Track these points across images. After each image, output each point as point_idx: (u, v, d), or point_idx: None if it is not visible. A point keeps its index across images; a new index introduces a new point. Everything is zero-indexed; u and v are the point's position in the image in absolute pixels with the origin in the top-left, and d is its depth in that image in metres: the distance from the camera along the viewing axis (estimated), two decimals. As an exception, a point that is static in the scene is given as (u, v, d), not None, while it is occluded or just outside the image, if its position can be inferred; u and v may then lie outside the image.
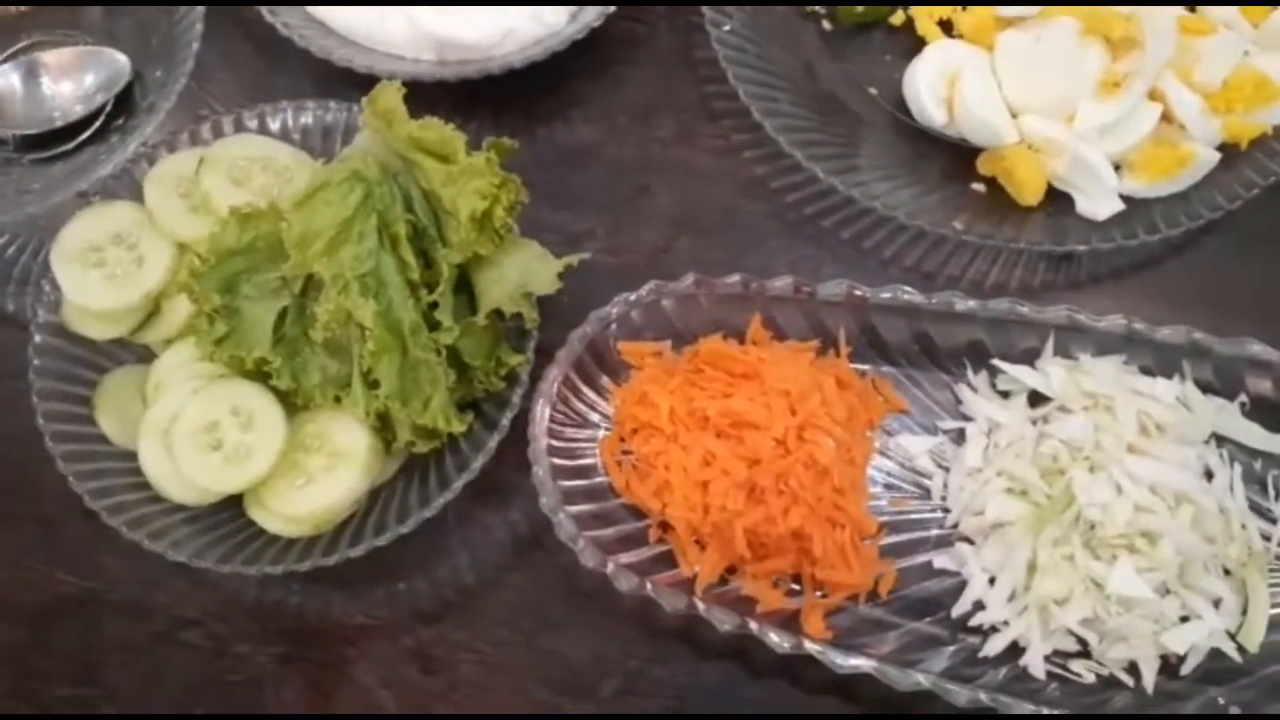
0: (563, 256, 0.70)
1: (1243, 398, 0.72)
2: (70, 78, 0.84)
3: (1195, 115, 0.76)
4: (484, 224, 0.68)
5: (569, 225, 0.83)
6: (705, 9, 0.81)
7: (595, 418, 0.75)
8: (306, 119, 0.77)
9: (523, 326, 0.70)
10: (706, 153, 0.85)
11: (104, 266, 0.71)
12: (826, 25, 0.86)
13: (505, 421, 0.68)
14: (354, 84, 0.80)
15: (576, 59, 0.83)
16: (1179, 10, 0.79)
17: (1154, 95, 0.77)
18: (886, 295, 0.73)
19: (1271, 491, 0.70)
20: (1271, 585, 0.68)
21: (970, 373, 0.75)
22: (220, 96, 0.87)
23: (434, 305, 0.67)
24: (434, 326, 0.68)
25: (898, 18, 0.86)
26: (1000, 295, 0.79)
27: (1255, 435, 0.71)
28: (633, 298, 0.74)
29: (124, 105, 0.86)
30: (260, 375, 0.68)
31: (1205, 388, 0.73)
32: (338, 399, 0.68)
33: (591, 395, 0.75)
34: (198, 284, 0.68)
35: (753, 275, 0.74)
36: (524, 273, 0.69)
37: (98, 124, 0.84)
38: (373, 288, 0.67)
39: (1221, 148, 0.78)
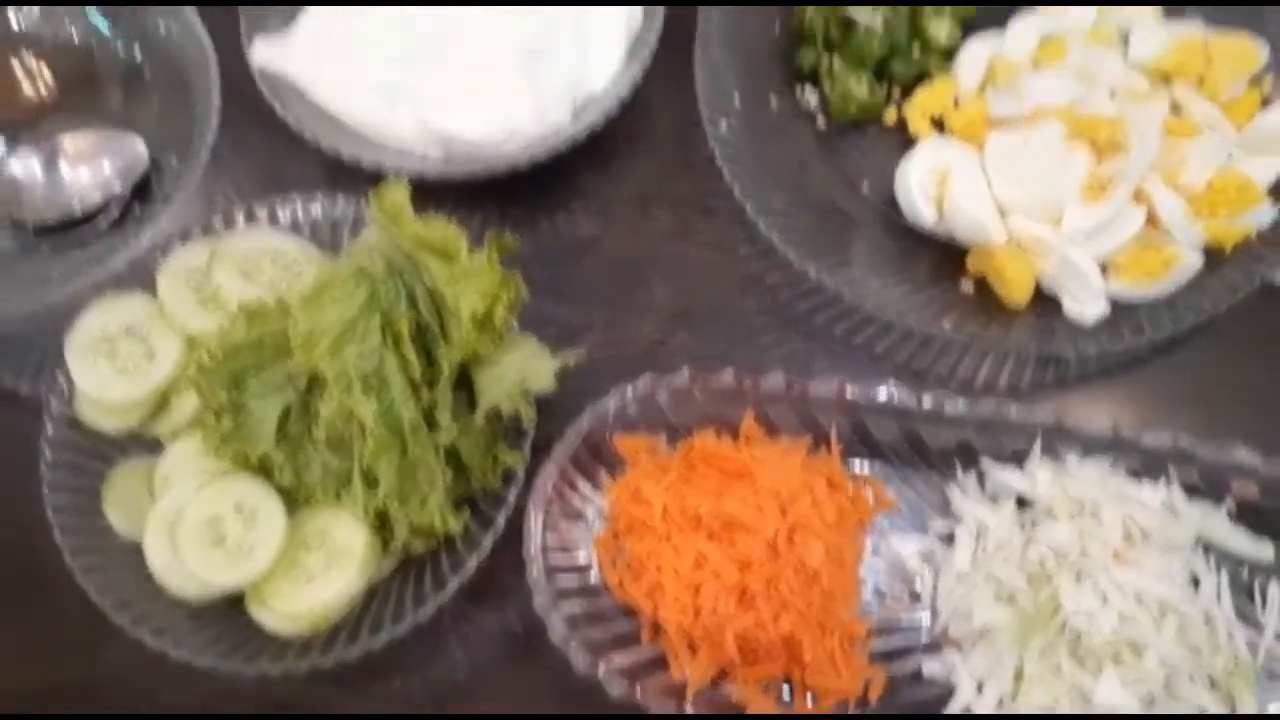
0: (562, 350, 0.72)
1: (1229, 502, 0.73)
2: (89, 164, 0.87)
3: (1179, 219, 0.78)
4: (485, 323, 0.70)
5: (568, 317, 0.85)
6: (703, 109, 0.83)
7: (591, 512, 0.76)
8: (316, 212, 0.79)
9: (520, 425, 0.71)
10: (703, 247, 0.87)
11: (115, 359, 0.73)
12: (821, 124, 0.89)
13: (501, 521, 0.69)
14: (363, 176, 0.82)
15: (579, 152, 0.84)
16: (1163, 110, 0.82)
17: (1139, 198, 0.79)
18: (875, 395, 0.75)
19: (1259, 599, 0.71)
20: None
21: (960, 472, 0.76)
22: (234, 184, 0.90)
23: (433, 405, 0.69)
24: (433, 425, 0.69)
25: (890, 116, 0.88)
26: (989, 393, 0.82)
27: (1241, 541, 0.72)
28: (629, 392, 0.75)
29: (141, 191, 0.89)
30: (264, 470, 0.70)
31: (1191, 490, 0.73)
32: (338, 496, 0.70)
33: (587, 489, 0.77)
34: (205, 380, 0.70)
35: (746, 371, 0.75)
36: (522, 370, 0.71)
37: (116, 210, 0.87)
38: (375, 386, 0.69)
39: (1206, 250, 0.80)
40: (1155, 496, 0.73)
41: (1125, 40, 0.87)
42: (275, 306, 0.71)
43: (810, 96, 0.89)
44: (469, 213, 0.89)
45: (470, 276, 0.69)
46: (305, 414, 0.71)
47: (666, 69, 0.87)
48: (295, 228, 0.79)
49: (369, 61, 0.81)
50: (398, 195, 0.72)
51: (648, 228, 0.88)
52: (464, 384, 0.73)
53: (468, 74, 0.79)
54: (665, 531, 0.71)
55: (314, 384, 0.71)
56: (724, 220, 0.87)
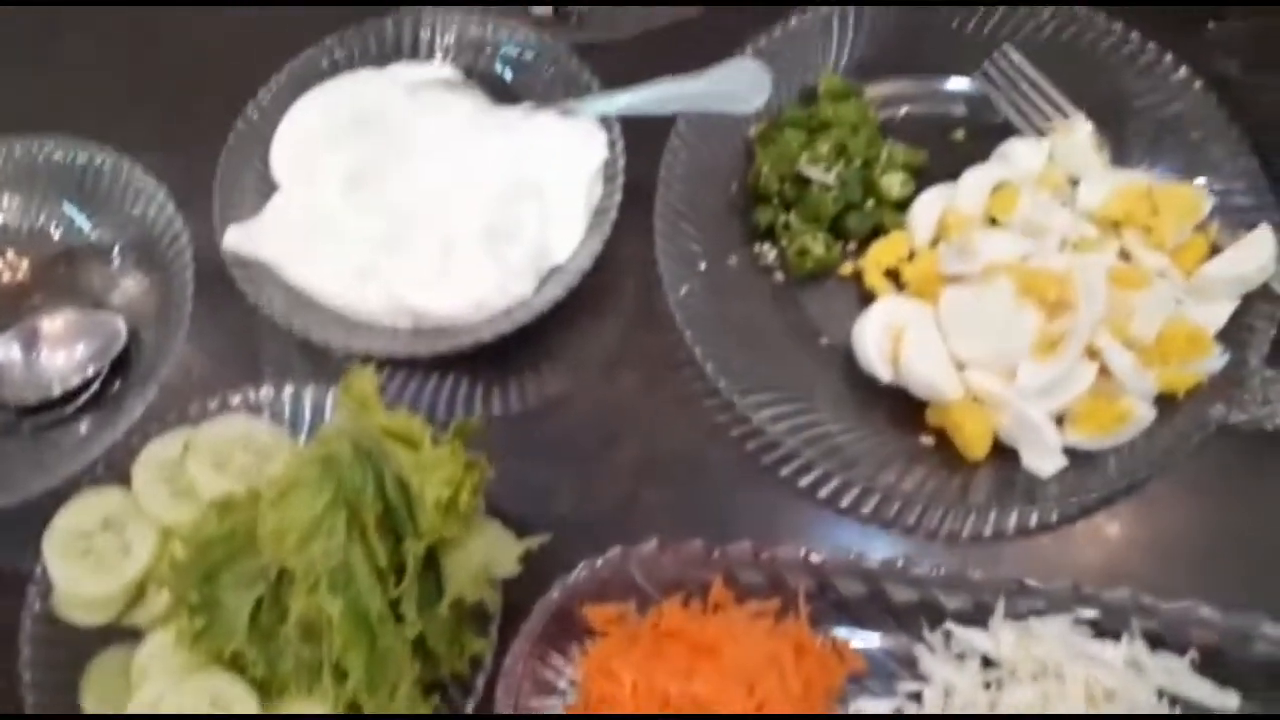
0: (529, 518, 0.74)
1: (1193, 653, 0.74)
2: (67, 345, 0.89)
3: (1130, 371, 0.79)
4: (450, 509, 0.72)
5: (537, 477, 0.86)
6: (664, 274, 0.86)
7: (563, 683, 0.77)
8: (287, 397, 0.81)
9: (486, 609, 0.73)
10: (670, 402, 0.89)
11: (91, 556, 0.74)
12: (780, 278, 0.91)
13: (469, 708, 0.70)
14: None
15: (547, 313, 0.86)
16: (1111, 261, 0.84)
17: (1091, 352, 0.81)
18: (840, 559, 0.76)
19: (1222, 749, 0.72)
20: None
21: (927, 629, 0.77)
22: (211, 358, 0.92)
23: (400, 598, 0.70)
24: (400, 617, 0.71)
25: (847, 269, 0.90)
26: (954, 543, 0.83)
27: (1205, 692, 0.73)
28: (598, 563, 0.77)
29: (121, 364, 0.91)
30: (237, 664, 0.71)
31: (1154, 639, 0.75)
32: (310, 689, 0.71)
33: (559, 661, 0.78)
34: (178, 577, 0.71)
35: (713, 540, 0.76)
36: (487, 555, 0.72)
37: (94, 388, 0.89)
38: (342, 580, 0.70)
39: (1159, 398, 0.82)
40: (1118, 654, 0.74)
41: (1075, 186, 0.90)
42: (246, 497, 0.73)
43: (768, 252, 0.92)
44: (441, 377, 0.92)
45: (434, 465, 0.71)
46: (277, 604, 0.73)
47: (633, 225, 0.89)
48: (268, 413, 0.81)
49: (338, 243, 0.84)
50: (365, 383, 0.75)
51: (615, 386, 0.90)
52: (432, 563, 0.75)
53: (434, 254, 0.82)
54: (636, 707, 0.73)
55: (284, 575, 0.73)
56: (689, 374, 0.88)
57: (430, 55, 0.95)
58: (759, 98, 0.84)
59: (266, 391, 0.81)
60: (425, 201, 0.84)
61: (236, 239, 0.84)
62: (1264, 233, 0.83)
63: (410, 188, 0.85)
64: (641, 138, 0.92)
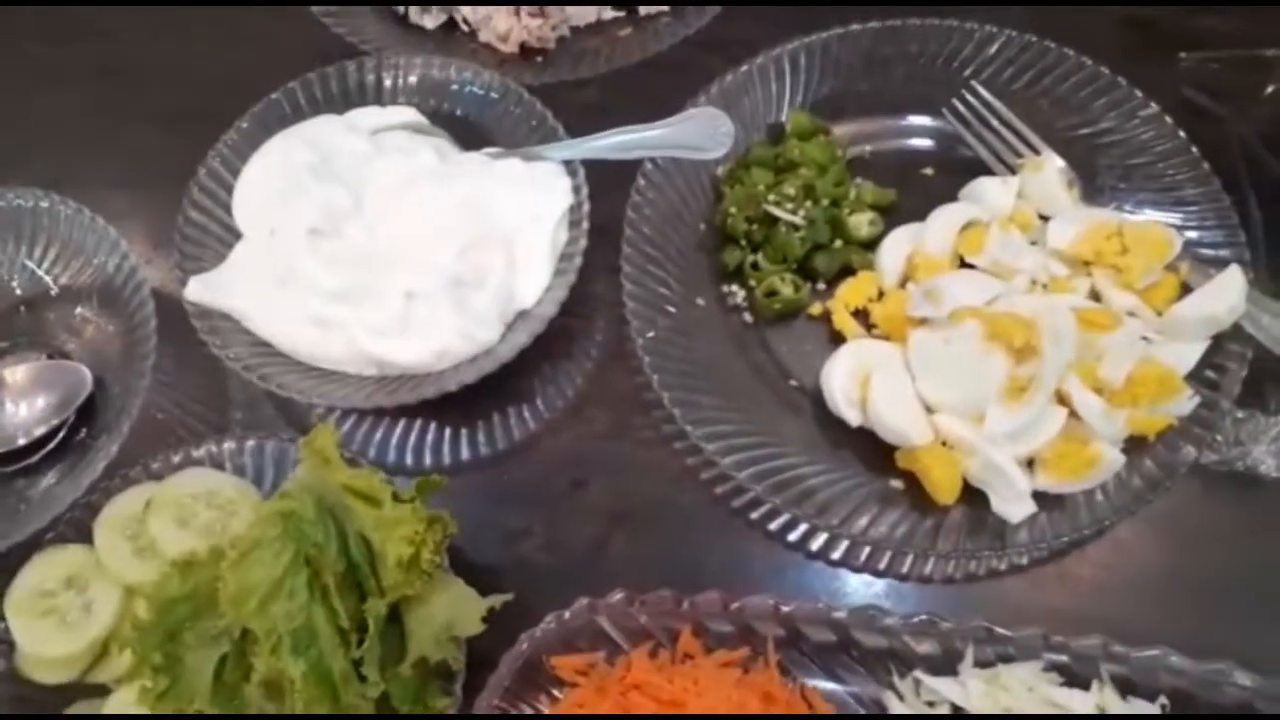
0: (501, 558, 0.77)
1: (1163, 699, 0.74)
2: (30, 395, 0.89)
3: (1098, 416, 0.79)
4: (412, 567, 0.71)
5: (507, 522, 0.86)
6: (631, 319, 0.85)
7: (532, 736, 0.77)
8: (251, 450, 0.81)
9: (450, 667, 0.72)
10: (639, 445, 0.89)
11: (54, 614, 0.74)
12: (748, 318, 0.90)
13: (436, 764, 0.70)
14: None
15: (515, 355, 0.86)
16: (1080, 304, 0.84)
17: (1060, 397, 0.80)
18: (809, 608, 0.76)
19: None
20: None
21: (896, 678, 0.77)
22: (177, 404, 0.91)
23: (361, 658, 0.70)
24: (363, 676, 0.70)
25: (815, 308, 0.90)
26: (924, 586, 0.83)
27: (1175, 741, 0.73)
28: (566, 615, 0.76)
29: (87, 411, 0.90)
30: (201, 721, 0.71)
31: (1124, 685, 0.74)
32: (273, 748, 0.70)
33: (528, 712, 0.77)
34: (140, 637, 0.71)
35: (684, 587, 0.76)
36: (450, 613, 0.72)
37: (60, 437, 0.89)
38: (304, 641, 0.69)
39: (1130, 439, 0.81)
40: (1087, 701, 0.73)
41: (1046, 222, 0.90)
42: (208, 556, 0.73)
43: (737, 293, 0.91)
44: (409, 422, 0.92)
45: (395, 523, 0.70)
46: (241, 662, 0.72)
47: (604, 265, 0.90)
48: (233, 466, 0.80)
49: (301, 293, 0.83)
50: (326, 440, 0.74)
51: (585, 428, 0.90)
52: (396, 619, 0.74)
53: (397, 304, 0.81)
54: (603, 761, 0.72)
55: (248, 634, 0.72)
56: (659, 416, 0.88)
57: (394, 99, 0.95)
58: (721, 146, 0.84)
59: (230, 444, 0.80)
60: (388, 250, 0.84)
61: (198, 290, 0.83)
62: (1234, 273, 0.82)
63: (372, 236, 0.84)
64: (611, 177, 0.91)
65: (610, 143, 0.86)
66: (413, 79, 0.95)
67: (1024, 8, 1.02)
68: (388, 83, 0.95)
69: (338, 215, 0.84)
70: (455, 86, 0.95)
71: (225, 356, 0.82)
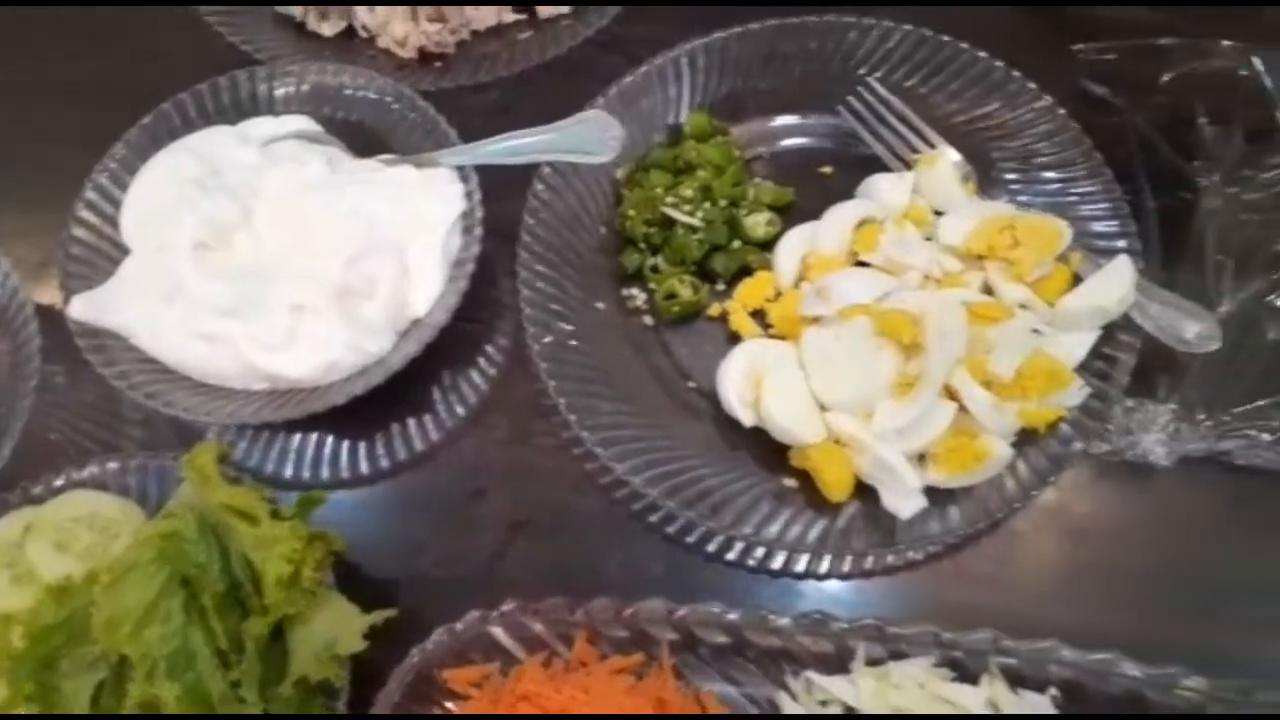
0: (397, 571, 0.77)
1: (1053, 690, 0.74)
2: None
3: (987, 410, 0.79)
4: (292, 584, 0.70)
5: (405, 534, 0.85)
6: (527, 325, 0.85)
7: (424, 750, 0.76)
8: (134, 470, 0.79)
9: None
10: (540, 451, 0.88)
11: (-74, 645, 0.73)
12: (648, 320, 0.90)
13: (321, 782, 0.69)
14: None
15: (411, 364, 0.84)
16: (969, 297, 0.84)
17: (950, 391, 0.81)
18: (702, 611, 0.75)
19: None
20: None
21: (790, 678, 0.77)
22: (68, 422, 0.90)
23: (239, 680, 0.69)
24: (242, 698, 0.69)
25: (715, 309, 0.90)
26: (821, 583, 0.83)
27: (1065, 731, 0.73)
28: (458, 627, 0.76)
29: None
30: (79, 750, 0.70)
31: (1014, 678, 0.74)
32: (154, 771, 0.69)
33: (421, 723, 0.77)
34: (15, 667, 0.70)
35: (582, 593, 0.75)
36: (332, 631, 0.71)
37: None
38: (181, 664, 0.69)
39: (1021, 432, 0.81)
40: (978, 696, 0.73)
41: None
42: (85, 580, 0.71)
43: (637, 296, 0.91)
44: (305, 434, 0.91)
45: (274, 541, 0.70)
46: (119, 687, 0.71)
47: (506, 269, 0.89)
48: (117, 486, 0.79)
49: (187, 309, 0.82)
50: (207, 458, 0.73)
51: (485, 435, 0.89)
52: (281, 638, 0.73)
53: (283, 317, 0.80)
54: (492, 772, 0.72)
55: (125, 659, 0.71)
56: (558, 422, 0.88)
57: (289, 108, 0.94)
58: (610, 150, 0.83)
59: (114, 465, 0.79)
60: (274, 263, 0.82)
61: (82, 308, 0.82)
62: (1122, 264, 0.83)
63: (259, 249, 0.83)
64: (517, 180, 0.91)
65: (500, 148, 0.85)
66: (306, 87, 0.94)
67: (929, 7, 1.03)
68: (281, 91, 0.94)
69: (224, 228, 0.83)
70: (350, 93, 0.93)
71: (109, 375, 0.81)
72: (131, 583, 0.69)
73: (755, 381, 0.83)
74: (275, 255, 0.83)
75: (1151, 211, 0.92)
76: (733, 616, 0.75)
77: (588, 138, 0.82)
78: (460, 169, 0.87)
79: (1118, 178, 0.90)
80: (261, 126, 0.90)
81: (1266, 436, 0.82)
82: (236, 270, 0.82)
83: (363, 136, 0.93)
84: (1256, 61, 0.98)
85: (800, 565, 0.82)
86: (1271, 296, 0.89)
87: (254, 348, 0.81)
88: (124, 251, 0.87)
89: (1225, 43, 0.98)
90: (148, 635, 0.68)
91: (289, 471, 0.88)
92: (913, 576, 0.82)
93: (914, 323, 0.80)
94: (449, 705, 0.77)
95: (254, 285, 0.81)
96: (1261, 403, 0.84)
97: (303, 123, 0.91)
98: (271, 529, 0.70)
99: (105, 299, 0.83)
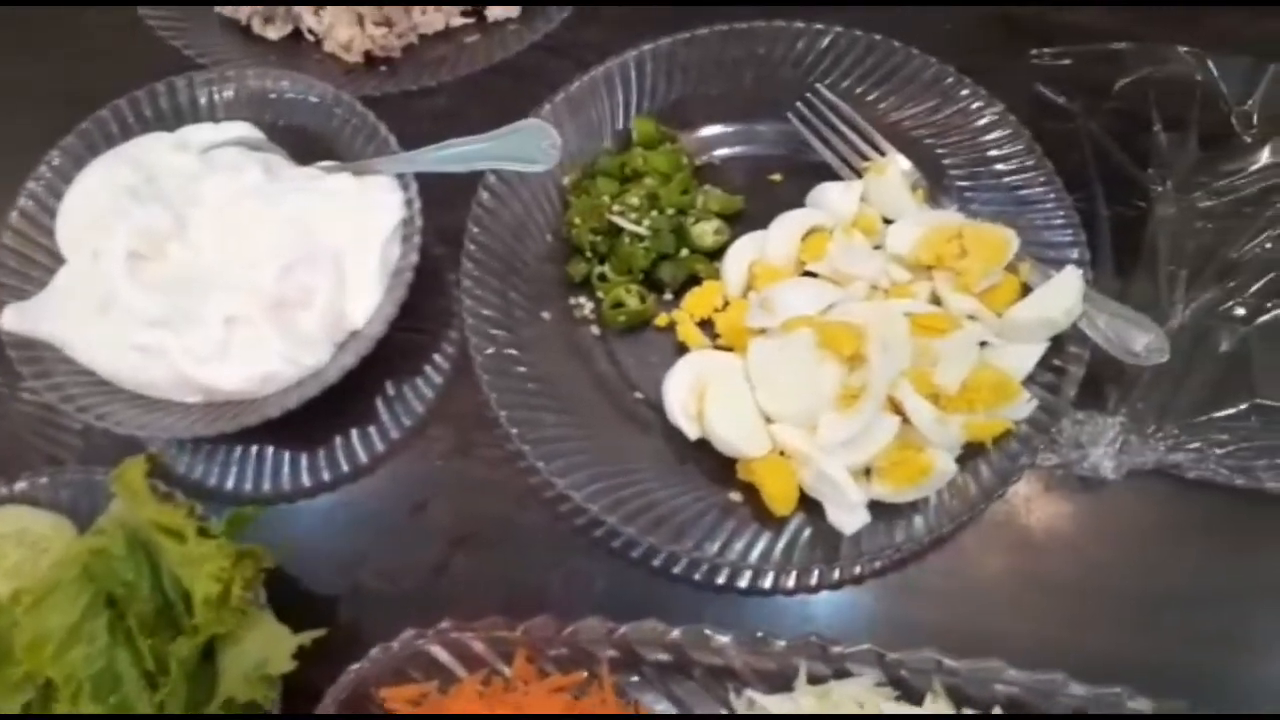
0: (337, 586, 0.76)
1: (997, 709, 0.73)
2: None
3: (931, 424, 0.78)
4: (221, 604, 0.69)
5: (345, 548, 0.84)
6: (470, 336, 0.83)
7: (361, 769, 0.75)
8: (69, 485, 0.78)
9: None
10: (483, 464, 0.87)
11: None
12: (596, 330, 0.89)
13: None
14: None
15: (354, 375, 0.83)
16: (915, 307, 0.82)
17: (894, 404, 0.80)
18: (643, 630, 0.74)
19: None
20: None
21: (733, 696, 0.76)
22: (8, 435, 0.88)
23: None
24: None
25: (662, 319, 0.88)
26: (767, 598, 0.82)
27: (1007, 751, 0.73)
28: (394, 645, 0.75)
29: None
30: (4, 772, 0.69)
31: (958, 697, 0.73)
32: (77, 796, 0.68)
33: (357, 745, 0.76)
34: (-64, 689, 0.68)
35: (524, 610, 0.74)
36: (263, 650, 0.70)
37: None
38: (106, 686, 0.67)
39: (968, 445, 0.80)
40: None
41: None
42: (10, 601, 0.70)
43: (585, 305, 0.89)
44: (245, 447, 0.89)
45: (201, 560, 0.69)
46: (45, 708, 0.70)
47: (453, 278, 0.87)
48: (51, 501, 0.78)
49: (122, 319, 0.80)
50: (135, 474, 0.72)
51: (427, 448, 0.88)
52: (212, 653, 0.72)
53: (218, 328, 0.79)
54: (427, 793, 0.71)
55: (50, 681, 0.70)
56: (501, 434, 0.85)
57: (231, 114, 0.92)
58: (549, 159, 0.82)
59: (44, 479, 0.77)
60: (209, 273, 0.81)
61: (15, 319, 0.80)
62: (1070, 275, 0.81)
63: (195, 258, 0.81)
64: (467, 187, 0.89)
65: (438, 156, 0.84)
66: (247, 92, 0.92)
67: (884, 11, 1.02)
68: (222, 97, 0.92)
69: (159, 237, 0.82)
70: (292, 98, 0.92)
71: (42, 387, 0.79)
72: (55, 603, 0.68)
73: (699, 394, 0.81)
74: (210, 265, 0.81)
75: (1104, 219, 0.91)
76: (674, 635, 0.74)
77: (526, 146, 0.81)
78: (400, 177, 0.86)
79: (1071, 185, 0.89)
80: (201, 133, 0.89)
81: (1217, 450, 0.82)
82: (170, 280, 0.81)
83: (306, 142, 0.92)
84: (1212, 66, 0.97)
85: (744, 581, 0.81)
86: (1224, 306, 0.89)
87: (187, 360, 0.79)
88: (59, 261, 0.85)
89: (1181, 48, 0.98)
90: (72, 657, 0.67)
91: (229, 484, 0.86)
92: (859, 591, 0.81)
93: (856, 335, 0.79)
94: (385, 722, 0.76)
95: (188, 296, 0.80)
96: (1214, 415, 0.84)
97: (243, 129, 0.90)
98: (199, 547, 0.69)
99: (39, 309, 0.81)
